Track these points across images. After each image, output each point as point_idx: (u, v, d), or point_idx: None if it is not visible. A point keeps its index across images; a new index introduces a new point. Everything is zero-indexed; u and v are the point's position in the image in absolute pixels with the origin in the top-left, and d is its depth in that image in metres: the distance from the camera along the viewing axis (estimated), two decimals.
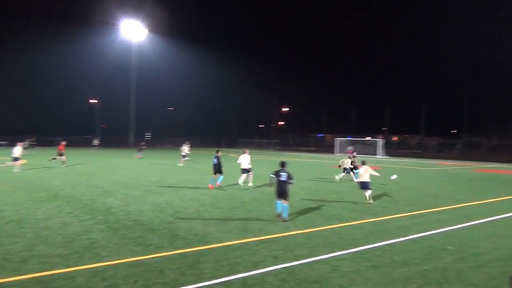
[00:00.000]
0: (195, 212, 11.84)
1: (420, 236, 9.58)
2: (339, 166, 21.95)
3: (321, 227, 10.34)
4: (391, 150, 57.78)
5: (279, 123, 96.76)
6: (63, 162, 26.36)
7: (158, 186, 17.31)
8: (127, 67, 64.09)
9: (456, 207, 13.76)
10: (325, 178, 22.46)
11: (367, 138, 63.72)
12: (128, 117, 64.83)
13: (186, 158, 31.30)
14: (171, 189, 16.59)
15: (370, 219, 11.42)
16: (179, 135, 77.70)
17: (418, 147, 66.20)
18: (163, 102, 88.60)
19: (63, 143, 27.20)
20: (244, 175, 18.12)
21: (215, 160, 17.00)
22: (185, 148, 31.42)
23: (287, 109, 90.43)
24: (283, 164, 11.39)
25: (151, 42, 64.48)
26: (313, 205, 13.47)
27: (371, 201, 14.19)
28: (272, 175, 11.29)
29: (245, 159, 18.14)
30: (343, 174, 21.26)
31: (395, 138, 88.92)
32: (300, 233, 9.63)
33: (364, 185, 14.26)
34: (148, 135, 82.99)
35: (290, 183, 11.19)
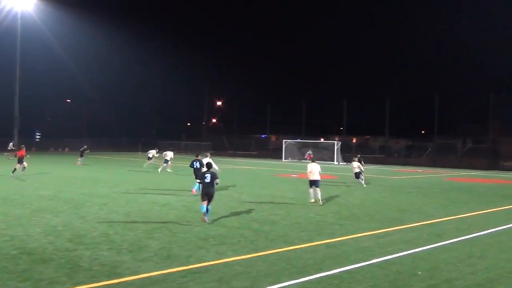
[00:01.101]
0: (102, 236, 11.54)
1: (385, 260, 9.94)
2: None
3: (265, 251, 10.43)
4: (349, 155, 59.57)
5: (212, 120, 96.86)
6: (24, 168, 27.45)
7: (51, 202, 16.86)
8: (10, 45, 61.18)
9: (426, 224, 14.44)
10: (271, 190, 22.77)
11: (320, 140, 65.28)
12: (11, 111, 61.95)
13: (151, 161, 37.07)
14: (69, 206, 16.18)
15: (324, 240, 11.69)
16: (79, 134, 75.50)
17: (381, 150, 68.87)
18: (58, 93, 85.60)
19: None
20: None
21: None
22: (153, 152, 37.57)
23: (221, 103, 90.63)
24: (208, 166, 14.37)
25: (43, 12, 61.73)
26: (255, 224, 13.58)
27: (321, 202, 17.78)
28: (197, 180, 13.94)
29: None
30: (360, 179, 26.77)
31: (354, 140, 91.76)
32: (238, 260, 9.66)
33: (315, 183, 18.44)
34: (38, 135, 79.97)
35: (216, 184, 13.77)
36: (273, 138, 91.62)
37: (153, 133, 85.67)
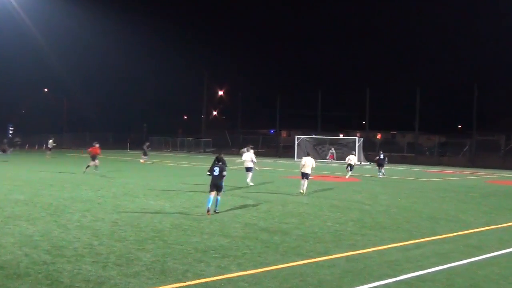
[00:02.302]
0: (85, 247, 11.57)
1: (415, 276, 9.91)
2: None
3: (274, 265, 10.43)
4: (372, 153, 59.38)
5: (213, 113, 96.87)
6: (96, 167, 32.33)
7: (27, 208, 16.86)
8: None
9: (463, 234, 14.40)
10: (280, 194, 22.77)
11: (339, 136, 65.20)
12: None
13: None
14: (47, 212, 16.20)
15: (344, 252, 11.67)
16: (58, 129, 75.68)
17: (410, 148, 68.56)
18: (34, 81, 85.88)
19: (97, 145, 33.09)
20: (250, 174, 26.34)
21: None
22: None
23: (223, 92, 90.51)
24: (218, 159, 17.12)
25: None
26: (263, 234, 13.59)
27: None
28: (208, 173, 16.76)
29: (248, 157, 26.27)
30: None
31: (378, 136, 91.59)
32: (243, 276, 9.67)
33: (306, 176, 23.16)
34: (11, 130, 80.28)
35: (223, 176, 16.55)
36: (284, 133, 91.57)
37: (144, 128, 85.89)
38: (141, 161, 47.15)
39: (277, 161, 56.03)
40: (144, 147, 49.37)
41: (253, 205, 19.02)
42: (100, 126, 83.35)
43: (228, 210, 17.40)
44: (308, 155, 24.18)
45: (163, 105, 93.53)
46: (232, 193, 22.77)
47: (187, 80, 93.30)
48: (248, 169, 26.80)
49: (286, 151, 67.85)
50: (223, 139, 78.32)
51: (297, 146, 61.62)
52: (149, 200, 19.85)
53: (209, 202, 16.29)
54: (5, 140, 53.08)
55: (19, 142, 52.82)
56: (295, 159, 59.60)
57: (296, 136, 64.44)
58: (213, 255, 11.00)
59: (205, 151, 76.93)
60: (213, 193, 16.38)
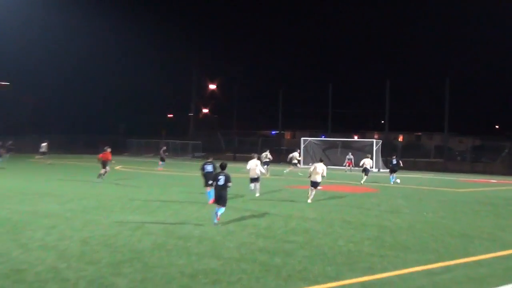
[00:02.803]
0: (50, 271, 11.53)
1: None
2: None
3: None
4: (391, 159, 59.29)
5: (203, 111, 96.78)
6: (104, 173, 33.60)
7: None
8: None
9: (501, 256, 14.35)
10: (283, 207, 22.76)
11: (354, 138, 65.20)
12: None
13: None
14: (4, 229, 16.17)
15: (359, 277, 11.64)
16: (20, 130, 75.68)
17: (438, 153, 68.52)
18: None
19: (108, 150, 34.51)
20: (254, 184, 27.17)
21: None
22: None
23: (216, 87, 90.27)
24: (222, 167, 18.13)
25: None
26: (262, 255, 13.55)
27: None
28: (210, 181, 18.45)
29: (253, 165, 27.04)
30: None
31: (400, 138, 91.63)
32: None
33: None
34: None
35: (228, 187, 17.74)
36: (287, 135, 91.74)
37: (121, 129, 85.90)
38: (158, 168, 48.63)
39: (280, 168, 55.95)
40: (161, 151, 51.23)
41: (251, 220, 18.98)
42: (70, 126, 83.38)
43: (220, 226, 17.37)
44: (321, 161, 26.35)
45: (144, 102, 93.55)
46: (226, 207, 22.77)
47: (173, 71, 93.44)
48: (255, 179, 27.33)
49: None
50: (215, 142, 78.35)
51: (303, 150, 61.59)
52: (127, 214, 19.83)
53: (217, 211, 17.74)
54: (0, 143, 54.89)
55: (12, 147, 56.23)
56: (301, 166, 59.60)
57: (302, 138, 64.48)
58: (203, 281, 10.94)
59: (194, 157, 76.92)
60: (221, 206, 17.86)
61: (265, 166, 39.10)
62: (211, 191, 21.28)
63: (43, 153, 54.52)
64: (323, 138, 66.77)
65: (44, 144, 54.58)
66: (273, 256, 13.44)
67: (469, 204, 26.84)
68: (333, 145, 63.24)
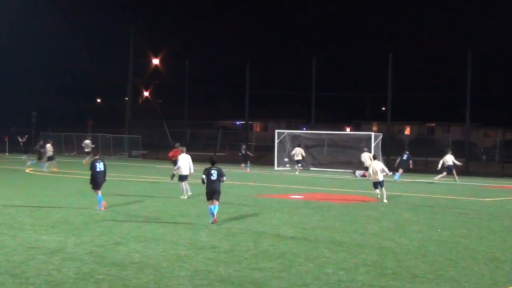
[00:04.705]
0: None
1: None
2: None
3: None
4: (395, 158, 59.68)
5: (144, 95, 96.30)
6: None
7: None
8: None
9: None
10: (252, 223, 22.81)
11: (346, 131, 65.45)
12: None
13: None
14: None
15: None
16: None
17: (458, 150, 68.89)
18: None
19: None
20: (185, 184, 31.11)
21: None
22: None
23: (159, 61, 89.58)
24: (212, 162, 22.81)
25: None
26: (226, 287, 13.57)
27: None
28: (203, 175, 22.28)
29: (185, 161, 31.23)
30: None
31: (407, 131, 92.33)
32: None
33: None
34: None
35: (221, 181, 22.49)
36: (257, 127, 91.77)
37: (32, 117, 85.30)
38: (247, 170, 53.00)
39: (247, 171, 56.04)
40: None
41: (208, 241, 18.97)
42: None
43: (170, 249, 17.34)
44: (375, 158, 33.43)
45: (63, 83, 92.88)
46: (176, 224, 22.77)
47: (102, 41, 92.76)
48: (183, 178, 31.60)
49: (261, 154, 67.89)
50: (160, 135, 77.94)
51: (278, 146, 61.65)
52: (41, 234, 19.71)
53: (211, 210, 21.99)
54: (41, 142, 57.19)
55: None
56: (275, 168, 59.79)
57: (276, 130, 64.43)
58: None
59: (131, 156, 76.62)
60: (215, 202, 22.19)
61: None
62: (101, 196, 25.81)
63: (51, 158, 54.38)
64: (304, 131, 66.88)
65: (48, 145, 54.62)
66: (238, 287, 13.49)
67: (498, 218, 27.03)
68: (318, 140, 63.32)
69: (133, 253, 16.49)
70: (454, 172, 43.42)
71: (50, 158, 52.92)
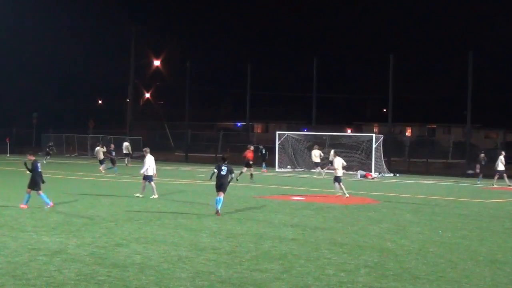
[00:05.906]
0: None
1: None
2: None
3: None
4: (396, 160, 59.53)
5: (145, 96, 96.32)
6: (251, 175, 43.81)
7: None
8: None
9: None
10: (253, 224, 22.81)
11: (347, 132, 65.39)
12: None
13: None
14: None
15: None
16: None
17: (458, 151, 68.87)
18: None
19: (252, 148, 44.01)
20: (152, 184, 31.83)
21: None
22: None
23: (160, 63, 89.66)
24: (224, 159, 25.97)
25: None
26: None
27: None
28: (214, 170, 25.11)
29: (152, 162, 32.08)
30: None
31: (408, 132, 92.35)
32: None
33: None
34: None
35: (231, 177, 25.29)
36: (258, 128, 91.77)
37: (34, 118, 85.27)
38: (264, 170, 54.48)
39: (248, 172, 55.99)
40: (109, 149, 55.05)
41: (209, 242, 18.98)
42: None
43: (170, 250, 17.34)
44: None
45: (64, 85, 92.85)
46: (176, 225, 22.77)
47: (104, 42, 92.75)
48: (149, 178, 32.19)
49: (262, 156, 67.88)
50: (161, 137, 77.96)
51: (279, 148, 61.56)
52: (42, 235, 19.70)
53: (217, 202, 24.48)
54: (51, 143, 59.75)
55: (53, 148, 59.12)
56: (276, 169, 59.73)
57: (277, 132, 64.41)
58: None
59: (132, 157, 76.58)
60: (221, 194, 24.74)
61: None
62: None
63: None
64: (305, 132, 66.83)
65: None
66: None
67: (500, 219, 27.03)
68: (319, 141, 63.22)
69: (134, 255, 16.50)
70: (505, 175, 43.50)
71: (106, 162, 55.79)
